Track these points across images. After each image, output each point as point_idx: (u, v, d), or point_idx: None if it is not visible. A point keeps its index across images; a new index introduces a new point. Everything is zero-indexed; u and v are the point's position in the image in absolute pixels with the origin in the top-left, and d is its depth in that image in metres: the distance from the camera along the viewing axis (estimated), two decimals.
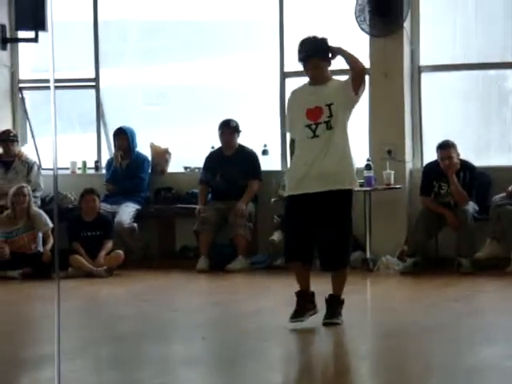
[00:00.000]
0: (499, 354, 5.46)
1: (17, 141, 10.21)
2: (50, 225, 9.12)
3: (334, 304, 6.32)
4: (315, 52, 6.20)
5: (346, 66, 6.35)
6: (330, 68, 6.33)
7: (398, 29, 9.27)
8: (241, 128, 9.67)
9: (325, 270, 6.32)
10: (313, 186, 6.15)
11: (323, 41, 6.26)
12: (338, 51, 6.26)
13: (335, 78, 6.39)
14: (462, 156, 9.05)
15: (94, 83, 10.59)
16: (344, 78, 6.36)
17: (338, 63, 6.43)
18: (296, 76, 9.94)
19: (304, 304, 6.25)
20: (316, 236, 6.23)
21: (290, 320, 6.19)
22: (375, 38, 9.35)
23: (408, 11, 9.27)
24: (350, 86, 6.18)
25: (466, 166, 9.05)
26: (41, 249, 9.15)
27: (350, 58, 6.24)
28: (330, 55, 6.26)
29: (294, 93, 6.44)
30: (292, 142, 6.43)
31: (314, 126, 6.15)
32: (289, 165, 6.66)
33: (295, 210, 6.24)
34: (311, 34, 6.34)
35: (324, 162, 6.13)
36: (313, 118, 6.17)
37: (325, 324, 6.24)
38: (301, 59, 6.28)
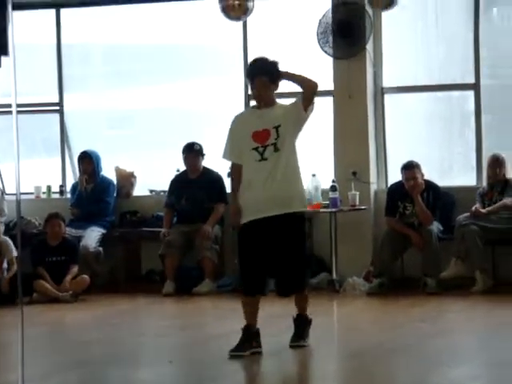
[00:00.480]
0: (466, 375, 5.48)
1: None
2: (15, 253, 9.02)
3: (302, 324, 6.28)
4: (264, 71, 6.17)
5: (293, 89, 6.35)
6: (276, 91, 6.27)
7: (361, 51, 9.35)
8: (205, 151, 9.67)
9: (283, 295, 6.24)
10: (266, 210, 6.05)
11: (273, 63, 6.25)
12: (286, 75, 6.24)
13: (280, 101, 6.34)
14: (426, 176, 9.12)
15: (58, 107, 10.55)
16: (290, 100, 6.32)
17: (286, 87, 6.41)
18: None
19: (248, 339, 6.10)
20: (272, 262, 6.11)
21: (229, 353, 6.06)
22: (338, 60, 9.43)
23: (370, 33, 9.36)
24: (300, 105, 6.15)
25: (429, 186, 9.12)
26: (5, 274, 9.05)
27: (299, 79, 6.24)
28: (278, 78, 6.22)
29: (238, 117, 6.34)
30: (233, 167, 6.30)
31: (261, 149, 6.08)
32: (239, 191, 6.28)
33: (250, 239, 6.12)
34: (263, 55, 6.34)
35: (274, 185, 6.05)
36: (260, 140, 6.10)
37: (291, 347, 6.21)
38: (249, 76, 6.26)
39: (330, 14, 9.36)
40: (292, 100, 6.31)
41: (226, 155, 6.33)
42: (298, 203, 6.15)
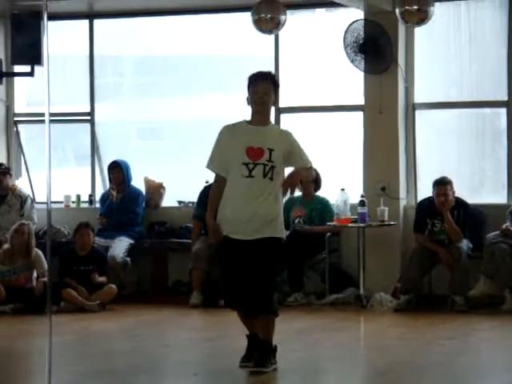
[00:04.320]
0: None
1: (9, 174, 10.20)
2: (46, 266, 9.02)
3: (264, 350, 6.02)
4: (270, 78, 6.09)
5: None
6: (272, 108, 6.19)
7: (389, 67, 9.32)
8: None
9: (248, 314, 6.09)
10: (244, 233, 5.93)
11: (273, 74, 6.23)
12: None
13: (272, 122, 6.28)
14: (456, 193, 9.06)
15: (89, 117, 10.61)
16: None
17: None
18: (291, 112, 10.03)
19: (266, 353, 5.98)
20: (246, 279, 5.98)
21: (239, 364, 6.01)
22: (370, 74, 9.40)
23: (396, 50, 9.28)
24: (296, 161, 6.05)
25: (459, 203, 9.05)
26: (34, 284, 9.09)
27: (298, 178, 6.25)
28: (278, 91, 6.13)
29: (230, 129, 6.13)
30: (217, 179, 6.11)
31: (251, 166, 5.94)
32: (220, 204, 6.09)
33: (231, 252, 6.02)
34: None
35: (256, 204, 5.92)
36: (253, 157, 5.95)
37: (251, 372, 5.96)
38: (254, 80, 6.07)
39: (360, 27, 9.33)
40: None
41: (210, 166, 6.11)
42: (276, 228, 6.01)
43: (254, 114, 6.12)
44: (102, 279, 9.16)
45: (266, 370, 5.96)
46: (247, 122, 6.15)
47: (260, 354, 5.98)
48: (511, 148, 9.42)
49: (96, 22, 10.53)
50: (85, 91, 10.59)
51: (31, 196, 10.29)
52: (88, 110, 10.61)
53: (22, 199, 10.06)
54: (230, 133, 6.10)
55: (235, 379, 5.99)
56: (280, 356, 6.16)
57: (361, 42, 9.33)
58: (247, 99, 6.12)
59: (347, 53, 9.40)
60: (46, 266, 9.02)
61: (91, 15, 10.52)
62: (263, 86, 6.04)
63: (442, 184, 8.97)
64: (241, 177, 5.96)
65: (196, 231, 9.67)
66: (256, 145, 5.98)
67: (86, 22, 10.53)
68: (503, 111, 9.45)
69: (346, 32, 9.37)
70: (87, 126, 10.62)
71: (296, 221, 9.42)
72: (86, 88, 10.59)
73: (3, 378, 6.08)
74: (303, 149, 6.14)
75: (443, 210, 8.93)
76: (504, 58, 9.35)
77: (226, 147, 6.04)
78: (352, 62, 9.40)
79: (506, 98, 9.39)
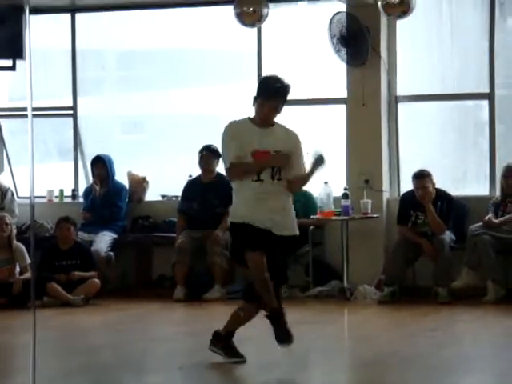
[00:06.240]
0: None
1: None
2: (29, 260, 8.99)
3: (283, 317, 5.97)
4: (285, 99, 5.94)
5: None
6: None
7: (375, 59, 9.33)
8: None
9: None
10: (268, 225, 5.85)
11: (288, 88, 6.01)
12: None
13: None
14: (439, 185, 9.09)
15: (71, 111, 10.58)
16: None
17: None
18: None
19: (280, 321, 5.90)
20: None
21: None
22: (352, 67, 9.41)
23: (368, 43, 9.26)
24: (296, 166, 5.94)
25: (442, 195, 9.08)
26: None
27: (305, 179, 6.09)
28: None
29: (237, 126, 5.98)
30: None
31: None
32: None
33: (255, 232, 5.86)
34: (280, 76, 6.02)
35: (271, 206, 5.84)
36: (260, 160, 5.86)
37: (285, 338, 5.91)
38: (270, 95, 5.89)
39: (343, 19, 9.33)
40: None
41: (230, 158, 5.88)
42: (294, 227, 5.97)
43: (258, 117, 5.98)
44: (90, 274, 9.11)
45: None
46: (251, 120, 6.00)
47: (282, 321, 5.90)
48: (493, 140, 9.46)
49: (78, 15, 10.49)
50: (67, 85, 10.56)
51: (11, 189, 10.25)
52: (71, 104, 10.58)
53: (3, 192, 10.03)
54: (238, 130, 5.95)
55: (220, 373, 6.00)
56: (264, 349, 6.17)
57: (344, 34, 9.33)
58: (254, 99, 5.96)
59: (333, 43, 9.39)
60: (28, 260, 9.00)
61: (73, 9, 10.47)
62: (272, 106, 5.90)
63: (420, 177, 9.00)
64: (250, 181, 5.86)
65: (180, 225, 9.67)
66: (262, 148, 5.88)
67: (68, 15, 10.49)
68: (485, 103, 9.48)
69: (330, 23, 9.36)
70: (70, 120, 10.59)
71: None
72: (68, 82, 10.55)
73: None
74: (303, 156, 6.03)
75: (424, 203, 8.96)
76: (486, 51, 9.39)
77: (241, 141, 5.89)
78: (337, 52, 9.39)
79: (487, 91, 9.43)
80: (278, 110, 5.99)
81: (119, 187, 10.10)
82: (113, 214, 9.94)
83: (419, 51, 9.74)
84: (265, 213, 5.89)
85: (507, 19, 9.65)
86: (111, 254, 9.67)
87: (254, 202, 5.88)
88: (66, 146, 10.72)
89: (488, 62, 9.38)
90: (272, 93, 5.92)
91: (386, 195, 9.58)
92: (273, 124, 6.02)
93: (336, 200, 9.24)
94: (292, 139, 6.06)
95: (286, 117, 9.98)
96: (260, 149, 5.88)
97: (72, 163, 10.62)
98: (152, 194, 10.33)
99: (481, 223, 8.88)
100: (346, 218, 9.12)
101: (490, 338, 7.19)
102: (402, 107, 9.69)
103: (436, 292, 8.78)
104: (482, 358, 6.41)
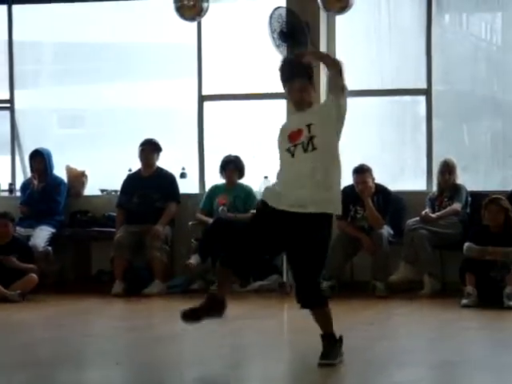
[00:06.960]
0: (411, 378, 5.51)
1: None
2: None
3: (329, 343, 5.83)
4: (302, 73, 5.88)
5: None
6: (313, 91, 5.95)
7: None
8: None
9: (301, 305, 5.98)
10: (294, 206, 5.64)
11: (306, 65, 5.95)
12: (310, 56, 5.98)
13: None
14: (378, 180, 9.17)
15: (8, 105, 10.45)
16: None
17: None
18: (214, 100, 10.02)
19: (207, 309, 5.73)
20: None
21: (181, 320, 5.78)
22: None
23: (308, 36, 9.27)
24: (330, 97, 5.84)
25: (381, 190, 9.17)
26: None
27: (320, 56, 6.07)
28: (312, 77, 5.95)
29: (282, 126, 5.96)
30: None
31: (292, 148, 5.71)
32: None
33: (264, 224, 5.73)
34: (286, 56, 6.06)
35: (306, 183, 5.63)
36: (293, 139, 5.74)
37: (320, 364, 5.73)
38: (288, 79, 5.88)
39: (283, 14, 9.33)
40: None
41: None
42: (330, 205, 5.74)
43: (292, 103, 5.94)
44: (27, 266, 8.97)
45: (334, 362, 5.75)
46: (295, 109, 5.91)
47: (326, 346, 5.78)
48: (430, 135, 9.57)
49: (15, 7, 10.37)
50: (4, 78, 10.42)
51: None
52: (7, 97, 10.45)
53: None
54: (283, 124, 5.93)
55: (158, 369, 5.98)
56: (203, 343, 6.17)
57: (284, 29, 9.34)
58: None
59: (273, 38, 9.38)
60: None
61: (10, 0, 10.34)
62: (295, 87, 5.82)
63: (360, 172, 9.07)
64: (286, 163, 5.74)
65: (119, 219, 9.62)
66: (297, 127, 5.77)
67: (5, 7, 10.36)
68: (422, 99, 9.59)
69: (270, 18, 9.35)
70: (7, 113, 10.46)
71: (220, 208, 9.45)
72: (5, 75, 10.42)
73: None
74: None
75: (364, 197, 9.03)
76: (423, 47, 9.49)
77: (280, 137, 5.85)
78: (277, 46, 9.38)
79: (425, 86, 9.54)
80: (305, 89, 5.84)
81: (58, 181, 10.01)
82: (51, 208, 9.85)
83: (358, 47, 9.81)
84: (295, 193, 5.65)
85: (444, 15, 9.78)
86: (49, 248, 9.58)
87: (293, 179, 5.70)
88: (3, 139, 10.58)
89: (425, 58, 9.49)
90: (287, 75, 5.91)
91: None
92: (310, 105, 5.87)
93: None
94: (322, 103, 5.95)
95: (226, 111, 10.04)
96: (294, 129, 5.76)
97: (9, 157, 10.49)
98: (91, 189, 10.26)
99: (418, 218, 8.99)
100: None
101: (425, 331, 7.29)
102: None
103: (374, 286, 8.86)
104: (418, 350, 6.49)
